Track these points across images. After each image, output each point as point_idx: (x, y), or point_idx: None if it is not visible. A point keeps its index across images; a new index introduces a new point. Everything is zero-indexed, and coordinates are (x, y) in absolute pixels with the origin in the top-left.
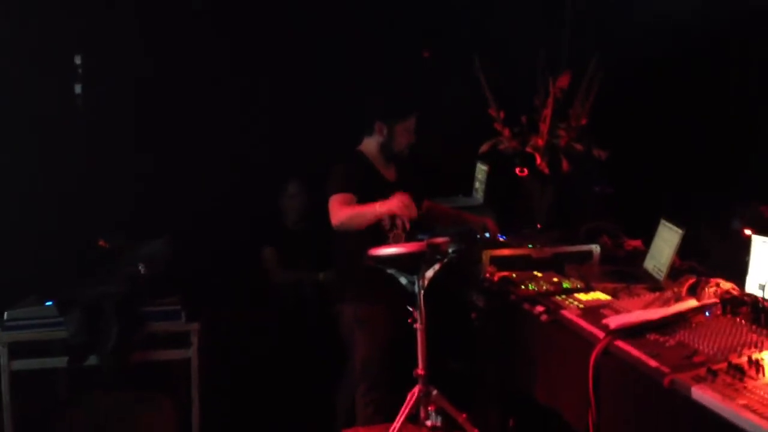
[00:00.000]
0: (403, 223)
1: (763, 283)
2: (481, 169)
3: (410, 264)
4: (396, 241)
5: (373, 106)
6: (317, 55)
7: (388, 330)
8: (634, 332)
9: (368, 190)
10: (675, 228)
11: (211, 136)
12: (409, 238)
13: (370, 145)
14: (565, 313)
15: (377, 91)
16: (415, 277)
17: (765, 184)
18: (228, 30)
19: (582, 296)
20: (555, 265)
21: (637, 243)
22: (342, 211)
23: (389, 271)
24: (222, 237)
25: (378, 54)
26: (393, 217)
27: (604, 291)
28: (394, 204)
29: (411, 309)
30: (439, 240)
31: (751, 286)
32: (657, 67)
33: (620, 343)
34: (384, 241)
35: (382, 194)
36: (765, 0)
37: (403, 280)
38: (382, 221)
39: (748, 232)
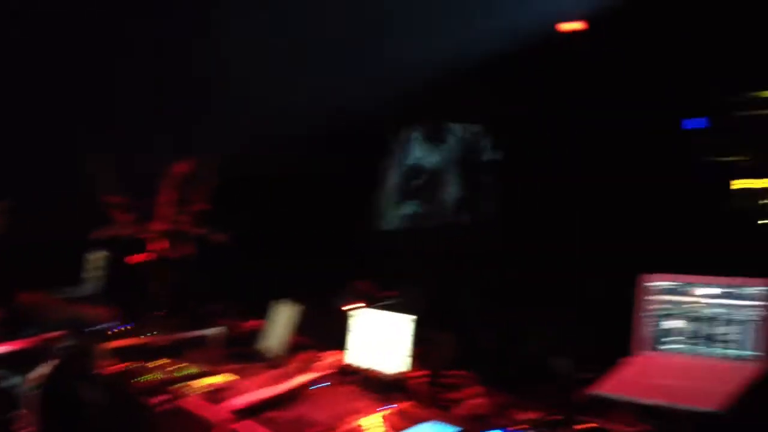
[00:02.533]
0: None
1: (367, 353)
2: (96, 257)
3: (20, 362)
4: None
5: None
6: None
7: None
8: (256, 410)
9: None
10: (290, 306)
11: None
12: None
13: None
14: (187, 399)
15: None
16: (25, 376)
17: (362, 265)
18: None
19: (205, 380)
20: (177, 351)
21: (256, 323)
22: None
23: None
24: None
25: None
26: None
27: (227, 373)
28: None
29: (17, 413)
30: (54, 334)
31: (357, 357)
32: (281, 153)
33: (244, 423)
34: None
35: None
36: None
37: (12, 381)
38: None
39: (353, 305)
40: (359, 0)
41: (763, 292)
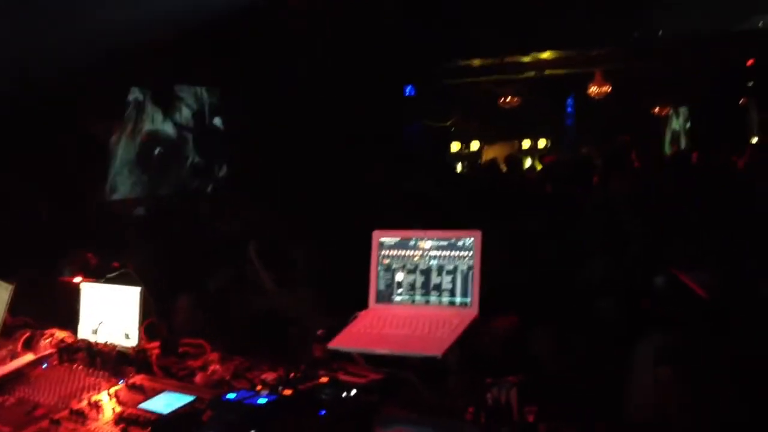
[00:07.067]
0: None
1: (95, 327)
2: None
3: None
4: None
5: None
6: None
7: None
8: None
9: None
10: (4, 284)
11: None
12: None
13: None
14: None
15: None
16: None
17: (90, 234)
18: None
19: None
20: None
21: None
22: None
23: None
24: None
25: None
26: None
27: None
28: None
29: None
30: None
31: (84, 332)
32: None
33: None
34: None
35: None
36: None
37: None
38: None
39: (77, 279)
40: None
41: (471, 243)
